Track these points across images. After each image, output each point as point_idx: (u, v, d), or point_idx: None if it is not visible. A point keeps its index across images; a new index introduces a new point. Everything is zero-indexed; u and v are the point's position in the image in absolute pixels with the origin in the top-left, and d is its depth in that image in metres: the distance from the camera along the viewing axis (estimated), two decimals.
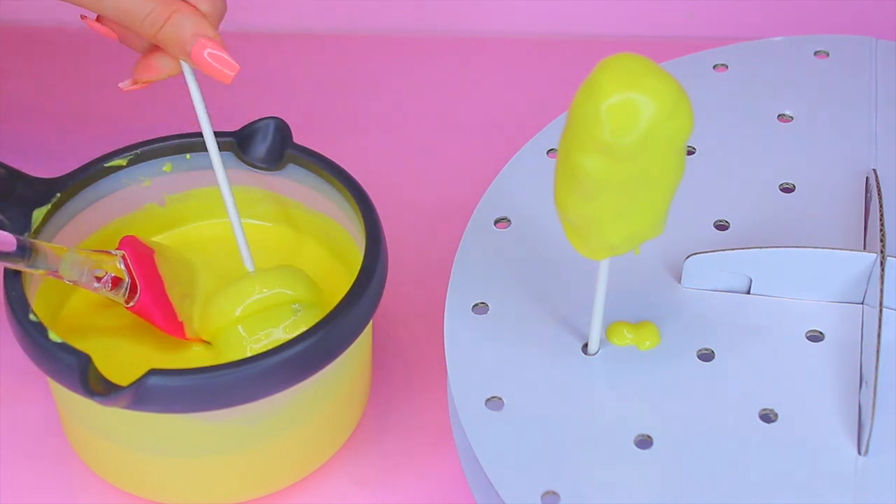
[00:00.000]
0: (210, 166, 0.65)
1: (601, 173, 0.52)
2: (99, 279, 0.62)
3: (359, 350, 0.64)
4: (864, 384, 0.58)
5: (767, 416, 0.58)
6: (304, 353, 0.59)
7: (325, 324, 0.60)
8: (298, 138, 0.67)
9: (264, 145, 0.67)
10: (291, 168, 0.67)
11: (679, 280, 0.63)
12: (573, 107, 0.52)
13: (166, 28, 0.61)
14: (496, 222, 0.66)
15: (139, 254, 0.64)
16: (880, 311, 0.59)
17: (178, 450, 0.62)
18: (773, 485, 0.56)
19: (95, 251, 0.63)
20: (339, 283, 0.64)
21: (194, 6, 0.62)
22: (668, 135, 0.52)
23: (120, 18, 0.61)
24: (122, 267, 0.63)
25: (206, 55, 0.61)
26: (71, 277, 0.61)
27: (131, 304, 0.63)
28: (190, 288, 0.65)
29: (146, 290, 0.63)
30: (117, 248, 0.64)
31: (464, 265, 0.64)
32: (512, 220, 0.66)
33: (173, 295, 0.64)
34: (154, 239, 0.68)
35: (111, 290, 0.63)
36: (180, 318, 0.64)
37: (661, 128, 0.51)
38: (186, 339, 0.64)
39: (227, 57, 0.61)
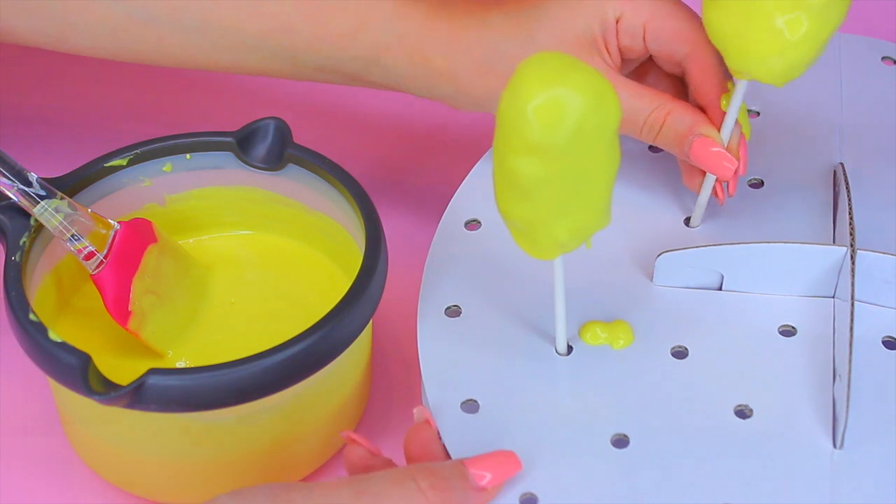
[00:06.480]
0: (211, 166, 0.65)
1: (537, 174, 0.52)
2: (76, 239, 0.62)
3: (359, 350, 0.64)
4: (837, 378, 0.58)
5: (742, 412, 0.58)
6: (304, 353, 0.59)
7: (325, 324, 0.59)
8: (298, 138, 0.67)
9: (264, 145, 0.66)
10: (291, 168, 0.67)
11: (651, 278, 0.63)
12: (500, 111, 0.51)
13: (664, 130, 0.63)
14: (467, 224, 0.66)
15: (136, 236, 0.64)
16: (852, 304, 0.59)
17: (177, 450, 0.62)
18: (749, 480, 0.56)
19: (96, 213, 0.63)
20: (339, 285, 0.64)
21: (685, 102, 0.63)
22: (598, 125, 0.51)
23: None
24: (110, 238, 0.63)
25: (707, 151, 0.62)
26: (50, 223, 0.61)
27: (95, 272, 0.63)
28: (163, 289, 0.65)
29: (114, 266, 0.63)
30: (121, 222, 0.64)
31: (435, 268, 0.64)
32: (482, 223, 0.66)
33: (139, 285, 0.64)
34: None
35: (83, 259, 0.63)
36: (131, 308, 0.64)
37: (589, 120, 0.51)
38: (126, 328, 0.64)
39: (724, 152, 0.62)
